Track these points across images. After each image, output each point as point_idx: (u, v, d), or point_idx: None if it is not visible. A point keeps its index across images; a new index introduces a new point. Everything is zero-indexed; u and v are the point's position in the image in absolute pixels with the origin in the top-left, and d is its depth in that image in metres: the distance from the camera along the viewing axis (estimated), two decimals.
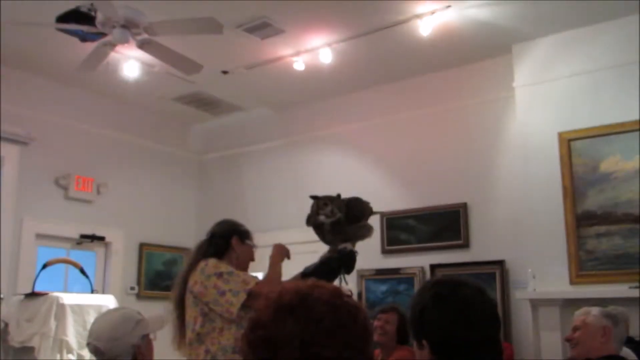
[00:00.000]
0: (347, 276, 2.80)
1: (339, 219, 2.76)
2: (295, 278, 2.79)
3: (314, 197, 2.90)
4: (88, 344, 2.23)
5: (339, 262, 2.73)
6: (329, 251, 2.83)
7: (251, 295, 2.63)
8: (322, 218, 2.79)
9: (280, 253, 2.87)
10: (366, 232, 2.92)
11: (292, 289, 1.23)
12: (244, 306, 2.63)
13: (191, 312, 2.76)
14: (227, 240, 2.93)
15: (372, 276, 5.79)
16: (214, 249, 2.91)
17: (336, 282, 2.75)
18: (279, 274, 2.79)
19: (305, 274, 2.79)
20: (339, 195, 2.86)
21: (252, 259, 2.98)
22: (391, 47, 5.41)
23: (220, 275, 2.72)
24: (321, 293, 1.20)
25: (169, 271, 6.75)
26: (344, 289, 1.29)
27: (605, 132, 4.75)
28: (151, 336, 2.33)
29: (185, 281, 2.86)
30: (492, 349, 1.49)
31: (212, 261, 2.80)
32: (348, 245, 2.75)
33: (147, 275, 6.67)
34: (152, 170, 6.94)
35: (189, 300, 2.78)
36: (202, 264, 2.80)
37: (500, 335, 1.56)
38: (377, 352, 4.22)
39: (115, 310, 2.32)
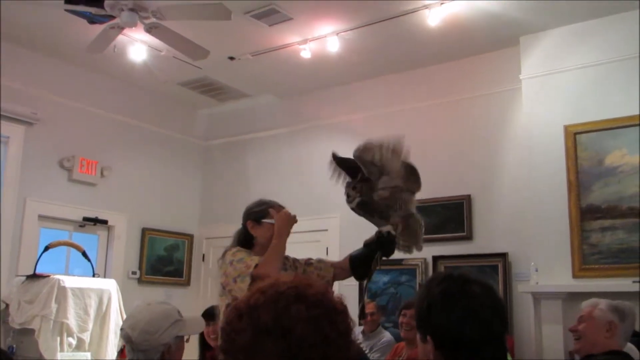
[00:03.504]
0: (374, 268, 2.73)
1: (361, 201, 2.67)
2: (344, 263, 2.78)
3: (337, 160, 2.81)
4: (122, 329, 2.19)
5: (377, 245, 2.68)
6: (375, 234, 2.76)
7: (254, 279, 2.59)
8: (350, 205, 2.72)
9: (286, 224, 2.74)
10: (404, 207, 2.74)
11: (267, 304, 1.15)
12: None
13: (219, 302, 2.73)
14: (245, 228, 2.83)
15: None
16: (237, 238, 2.82)
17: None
18: (279, 251, 2.68)
19: (352, 258, 2.77)
20: (362, 178, 2.71)
21: None
22: (399, 37, 5.35)
23: (231, 263, 2.69)
24: (299, 309, 1.14)
25: (171, 257, 6.76)
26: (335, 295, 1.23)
27: (611, 125, 4.70)
28: (185, 338, 2.27)
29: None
30: (497, 347, 1.47)
31: (233, 249, 2.74)
32: (385, 228, 2.68)
33: (149, 260, 6.65)
34: (157, 155, 6.91)
35: (220, 290, 2.73)
36: (225, 253, 2.75)
37: (506, 332, 1.53)
38: (402, 345, 4.21)
39: (158, 304, 2.24)
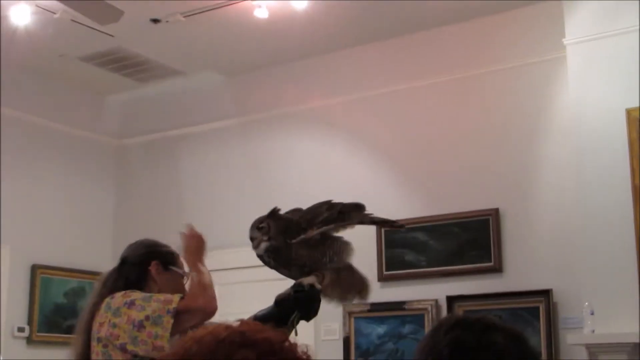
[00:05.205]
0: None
1: (271, 246, 2.78)
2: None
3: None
4: None
5: (294, 303, 2.74)
6: (291, 288, 2.86)
7: (180, 315, 2.78)
8: (256, 251, 2.85)
9: (197, 247, 2.98)
10: (336, 251, 2.88)
11: (203, 354, 1.16)
12: (177, 331, 2.76)
13: None
14: (144, 268, 3.02)
15: (365, 313, 5.73)
16: (124, 281, 2.97)
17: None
18: (208, 277, 2.92)
19: (257, 320, 2.79)
20: (272, 212, 2.85)
21: (182, 291, 3.02)
22: None
23: (132, 303, 2.83)
24: (246, 356, 1.15)
25: (74, 305, 6.68)
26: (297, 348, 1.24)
27: None
28: None
29: (89, 326, 2.92)
30: None
31: (119, 293, 2.89)
32: (305, 280, 2.76)
33: (42, 310, 6.61)
34: (50, 161, 6.87)
35: (98, 352, 2.83)
36: (107, 300, 2.88)
37: None
38: None
39: None
